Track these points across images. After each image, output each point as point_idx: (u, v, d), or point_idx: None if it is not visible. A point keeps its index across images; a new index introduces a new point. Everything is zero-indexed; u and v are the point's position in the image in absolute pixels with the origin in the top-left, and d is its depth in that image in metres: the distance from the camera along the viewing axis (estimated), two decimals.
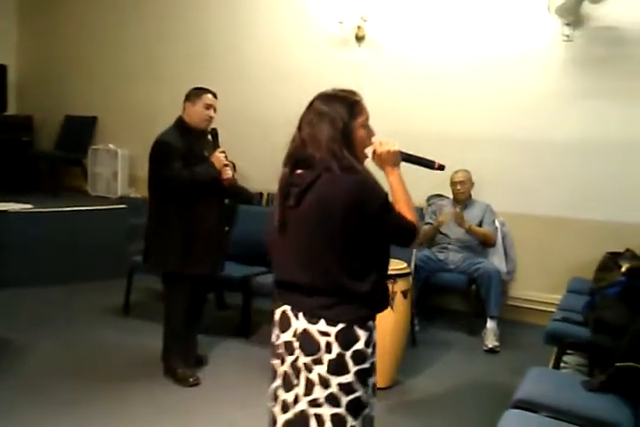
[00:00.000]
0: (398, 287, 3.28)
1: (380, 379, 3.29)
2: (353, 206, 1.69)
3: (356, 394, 1.72)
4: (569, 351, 3.61)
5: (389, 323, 3.24)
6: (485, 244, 4.39)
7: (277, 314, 1.83)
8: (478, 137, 4.59)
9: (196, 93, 3.25)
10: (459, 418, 3.01)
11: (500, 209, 4.48)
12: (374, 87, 5.05)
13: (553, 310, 3.68)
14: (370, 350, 1.75)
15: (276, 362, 1.82)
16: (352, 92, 1.82)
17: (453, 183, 4.47)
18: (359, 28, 5.02)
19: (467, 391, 3.35)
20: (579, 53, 4.34)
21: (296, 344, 1.75)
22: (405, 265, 3.43)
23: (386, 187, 1.80)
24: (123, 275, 4.41)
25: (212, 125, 3.30)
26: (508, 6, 4.55)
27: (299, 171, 1.81)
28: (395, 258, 3.49)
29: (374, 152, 1.86)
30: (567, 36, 4.31)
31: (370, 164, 1.85)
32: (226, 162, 3.21)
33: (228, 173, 3.23)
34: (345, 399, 1.71)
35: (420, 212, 4.75)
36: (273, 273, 1.92)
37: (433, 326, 4.34)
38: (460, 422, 2.99)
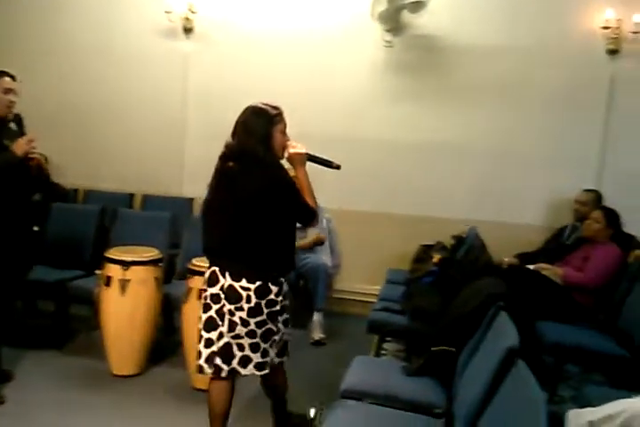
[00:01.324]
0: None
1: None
2: (267, 192, 2.32)
3: (267, 326, 2.41)
4: (388, 339, 3.83)
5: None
6: (318, 244, 4.46)
7: (207, 273, 2.44)
8: (302, 135, 4.63)
9: None
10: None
11: (326, 206, 4.59)
12: (202, 79, 4.94)
13: (375, 300, 3.87)
14: (280, 298, 2.43)
15: (202, 312, 2.44)
16: (275, 107, 2.43)
17: None
18: (187, 19, 4.88)
19: (296, 384, 3.35)
20: (398, 59, 4.62)
21: (222, 296, 2.37)
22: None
23: None
24: None
25: (18, 110, 2.96)
26: (336, 10, 4.69)
27: (230, 163, 2.38)
28: None
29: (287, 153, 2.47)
30: (388, 41, 4.56)
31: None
32: (32, 149, 2.85)
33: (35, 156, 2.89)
34: (259, 331, 2.39)
35: None
36: (203, 242, 2.49)
37: None
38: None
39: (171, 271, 3.97)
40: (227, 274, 2.38)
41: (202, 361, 2.43)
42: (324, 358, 3.81)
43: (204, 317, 2.42)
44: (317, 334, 4.10)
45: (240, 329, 2.37)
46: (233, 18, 4.87)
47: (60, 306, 3.77)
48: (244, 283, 2.35)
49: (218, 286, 2.38)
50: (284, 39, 4.79)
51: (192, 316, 3.19)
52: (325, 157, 2.58)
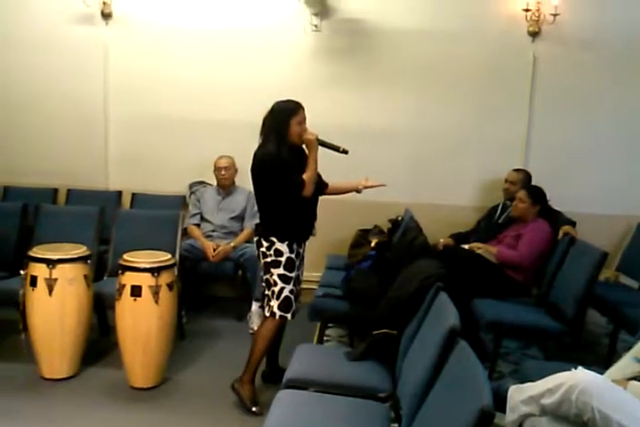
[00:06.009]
0: (163, 280, 3.10)
1: (146, 379, 3.09)
2: (267, 169, 2.86)
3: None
4: (331, 325, 3.82)
5: (154, 318, 3.06)
6: None
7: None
8: (237, 123, 4.56)
9: None
10: (233, 407, 2.95)
11: None
12: (124, 68, 4.73)
13: (315, 287, 3.84)
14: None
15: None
16: (296, 102, 2.91)
17: (217, 169, 4.41)
18: (105, 4, 4.63)
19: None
20: (326, 43, 4.55)
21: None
22: (169, 256, 3.26)
23: None
24: None
25: None
26: None
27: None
28: (159, 250, 3.31)
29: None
30: (315, 25, 4.50)
31: None
32: None
33: None
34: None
35: (182, 200, 4.61)
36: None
37: (201, 316, 4.23)
38: (233, 411, 2.93)
39: (101, 268, 3.80)
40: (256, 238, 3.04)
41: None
42: None
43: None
44: (256, 324, 4.02)
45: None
46: (152, 3, 4.67)
47: None
48: (264, 243, 2.97)
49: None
50: (209, 26, 4.63)
51: (126, 313, 3.08)
52: (334, 143, 3.04)
